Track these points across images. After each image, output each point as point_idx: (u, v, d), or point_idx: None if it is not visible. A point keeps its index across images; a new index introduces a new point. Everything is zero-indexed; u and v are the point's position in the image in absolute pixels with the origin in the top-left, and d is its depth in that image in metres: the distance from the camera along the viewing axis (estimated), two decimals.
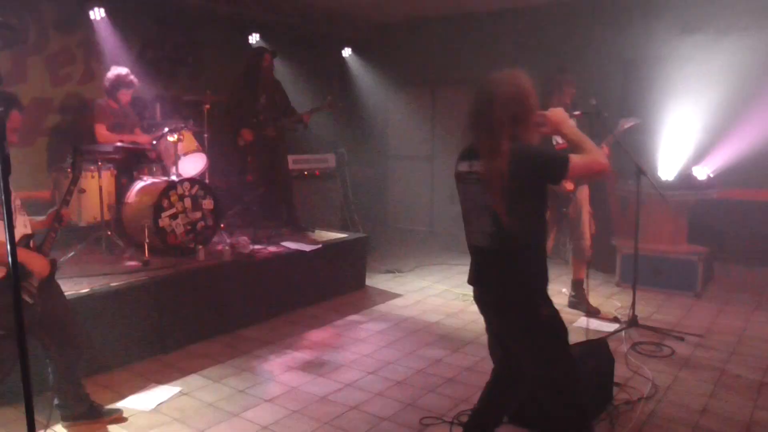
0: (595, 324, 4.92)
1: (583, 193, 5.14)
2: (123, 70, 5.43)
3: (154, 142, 5.36)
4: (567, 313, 5.24)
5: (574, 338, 4.31)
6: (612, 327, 4.82)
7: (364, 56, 8.53)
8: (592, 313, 5.19)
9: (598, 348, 3.55)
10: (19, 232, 2.98)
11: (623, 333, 4.67)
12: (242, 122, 6.00)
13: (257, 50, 6.21)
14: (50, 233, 3.14)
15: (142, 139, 5.46)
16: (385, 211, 9.11)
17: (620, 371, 3.93)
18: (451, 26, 8.07)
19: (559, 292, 5.79)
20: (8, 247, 1.67)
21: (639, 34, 6.59)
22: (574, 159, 2.36)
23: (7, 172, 1.61)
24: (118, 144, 5.11)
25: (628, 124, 4.87)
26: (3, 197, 2.61)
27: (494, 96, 2.39)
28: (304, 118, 6.12)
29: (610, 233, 6.41)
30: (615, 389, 3.66)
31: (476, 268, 2.62)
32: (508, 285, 2.53)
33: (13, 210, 2.95)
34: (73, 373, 3.29)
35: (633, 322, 4.76)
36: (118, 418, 3.39)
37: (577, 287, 5.37)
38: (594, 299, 5.61)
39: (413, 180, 8.92)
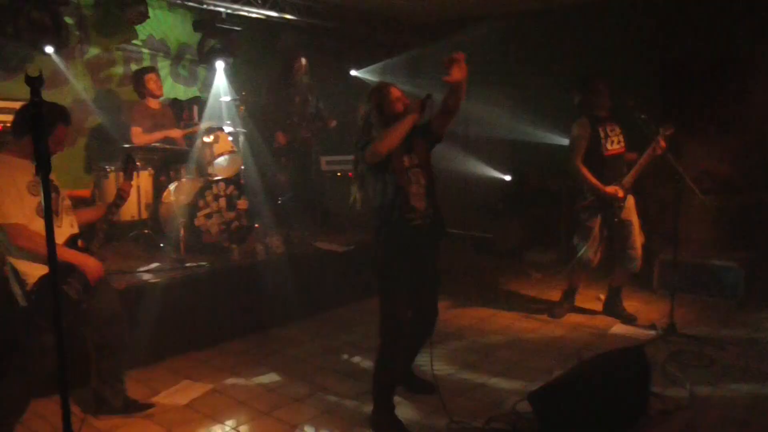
0: (632, 331, 4.81)
1: (631, 201, 4.96)
2: (157, 70, 5.59)
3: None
4: (602, 320, 5.15)
5: (610, 345, 4.26)
6: (649, 334, 4.71)
7: (399, 59, 8.50)
8: (629, 319, 5.07)
9: (633, 355, 3.46)
10: (66, 233, 3.06)
11: (660, 341, 4.55)
12: (277, 124, 6.06)
13: (292, 53, 6.27)
14: (98, 232, 3.24)
15: (174, 133, 5.56)
16: None
17: (657, 381, 3.83)
18: (487, 28, 7.99)
19: (596, 298, 5.69)
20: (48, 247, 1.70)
21: (680, 35, 6.42)
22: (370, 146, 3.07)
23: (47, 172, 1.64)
24: (156, 144, 5.21)
25: (668, 131, 4.72)
26: (42, 200, 2.70)
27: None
28: (329, 123, 6.17)
29: (648, 239, 6.25)
30: (651, 399, 3.56)
31: None
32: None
33: (61, 210, 3.04)
34: (114, 370, 3.36)
35: (671, 330, 4.63)
36: (152, 413, 3.45)
37: (616, 294, 5.25)
38: (631, 306, 5.48)
39: (446, 182, 8.83)
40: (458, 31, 8.10)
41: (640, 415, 3.39)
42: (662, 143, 4.62)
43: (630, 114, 4.68)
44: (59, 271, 2.88)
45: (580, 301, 5.61)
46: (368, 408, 3.53)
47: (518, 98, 7.82)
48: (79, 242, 3.11)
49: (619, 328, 4.92)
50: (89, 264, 3.04)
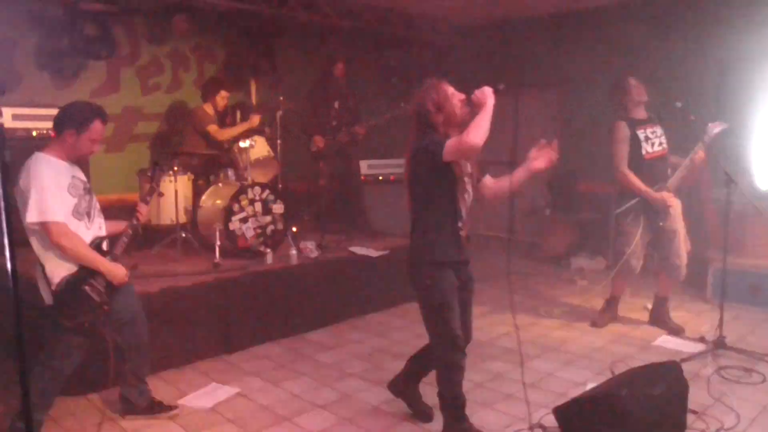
0: (678, 344, 4.56)
1: (678, 208, 4.73)
2: (218, 74, 5.76)
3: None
4: (647, 331, 4.90)
5: (653, 358, 4.04)
6: (696, 348, 4.44)
7: (444, 60, 8.41)
8: (675, 331, 4.82)
9: (668, 371, 3.26)
10: (92, 234, 3.15)
11: (708, 355, 4.29)
12: (316, 128, 6.09)
13: (331, 57, 6.29)
14: (122, 237, 3.30)
15: (254, 122, 5.74)
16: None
17: (700, 397, 3.62)
18: (536, 28, 7.80)
19: (643, 308, 5.43)
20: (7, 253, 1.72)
21: (737, 32, 6.05)
22: (449, 141, 2.85)
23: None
24: (195, 150, 5.33)
25: (716, 129, 4.46)
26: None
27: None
28: (358, 131, 6.16)
29: (704, 246, 5.93)
30: (691, 417, 3.35)
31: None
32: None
33: (93, 212, 3.14)
34: (137, 371, 3.44)
35: (720, 343, 4.35)
36: (176, 415, 3.49)
37: (662, 304, 5.00)
38: (681, 316, 5.22)
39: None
40: (504, 32, 7.96)
41: None
42: (701, 153, 4.50)
43: (679, 115, 4.47)
44: (83, 273, 2.98)
45: (626, 310, 5.37)
46: (388, 417, 3.49)
47: (569, 100, 7.60)
48: (104, 245, 3.18)
49: (664, 339, 4.67)
50: (115, 272, 3.10)
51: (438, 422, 3.27)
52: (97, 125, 3.11)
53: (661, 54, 6.56)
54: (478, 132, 2.80)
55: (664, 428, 3.13)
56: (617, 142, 4.69)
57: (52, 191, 2.91)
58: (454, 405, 3.09)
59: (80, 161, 3.22)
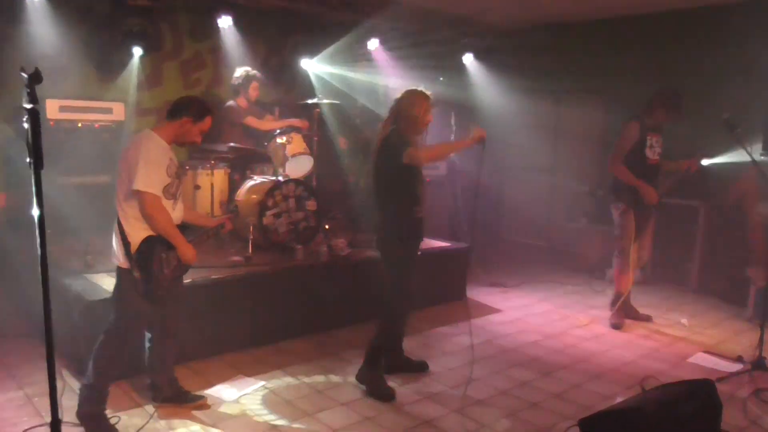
0: (714, 362, 4.41)
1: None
2: (248, 67, 5.82)
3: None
4: (682, 346, 4.76)
5: (686, 375, 3.92)
6: (734, 367, 4.30)
7: (486, 63, 8.35)
8: (646, 319, 5.35)
9: (702, 389, 3.16)
10: (176, 216, 3.28)
11: (746, 375, 4.15)
12: (341, 127, 6.15)
13: (359, 58, 6.33)
14: (203, 235, 3.54)
15: (301, 124, 5.80)
16: (499, 222, 8.84)
17: (735, 419, 3.51)
18: (579, 33, 7.68)
19: (679, 323, 5.30)
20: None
21: None
22: (408, 150, 3.55)
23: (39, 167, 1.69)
24: (232, 144, 5.38)
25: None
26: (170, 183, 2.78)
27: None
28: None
29: (746, 262, 5.74)
30: None
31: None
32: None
33: (179, 195, 3.25)
34: (168, 360, 3.52)
35: (760, 364, 4.21)
36: (203, 404, 3.54)
37: (628, 297, 5.30)
38: (718, 334, 5.08)
39: (532, 192, 8.56)
40: (548, 35, 7.86)
41: None
42: (694, 164, 5.02)
43: (721, 125, 4.36)
44: (162, 241, 3.15)
45: (661, 325, 5.25)
46: (410, 418, 3.47)
47: (611, 109, 7.43)
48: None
49: (699, 357, 4.53)
50: (187, 250, 3.24)
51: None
52: (209, 120, 3.34)
53: (707, 61, 6.38)
54: (433, 156, 3.83)
55: None
56: (624, 139, 5.05)
57: (155, 166, 3.09)
58: (379, 353, 3.86)
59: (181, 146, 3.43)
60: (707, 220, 6.37)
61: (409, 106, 3.66)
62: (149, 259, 3.12)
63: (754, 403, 3.77)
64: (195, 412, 3.46)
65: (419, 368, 4.16)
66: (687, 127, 5.49)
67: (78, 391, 3.21)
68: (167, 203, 3.18)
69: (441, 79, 7.69)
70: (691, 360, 4.48)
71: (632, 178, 4.98)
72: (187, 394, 3.57)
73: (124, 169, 3.11)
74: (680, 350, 4.69)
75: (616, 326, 5.15)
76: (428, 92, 3.73)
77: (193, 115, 3.25)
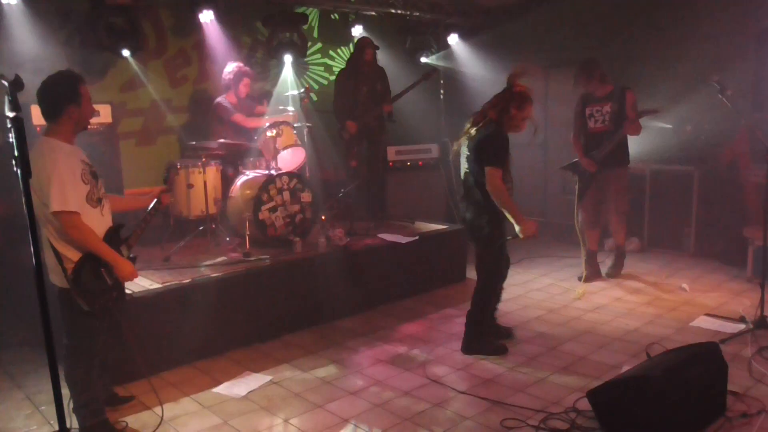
0: (717, 324, 4.43)
1: (612, 174, 5.54)
2: (239, 63, 5.78)
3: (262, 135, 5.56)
4: (684, 311, 4.78)
5: (690, 339, 3.94)
6: (736, 328, 4.32)
7: (471, 42, 8.29)
8: (608, 275, 5.74)
9: (706, 352, 3.18)
10: (107, 222, 3.13)
11: (749, 335, 4.17)
12: (346, 114, 6.11)
13: (360, 44, 6.26)
14: (136, 230, 3.32)
15: (289, 119, 5.76)
16: None
17: (740, 379, 3.53)
18: (563, 5, 7.61)
19: (679, 288, 5.33)
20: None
21: None
22: (490, 171, 3.84)
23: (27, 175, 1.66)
24: (222, 140, 5.35)
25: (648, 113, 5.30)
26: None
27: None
28: (385, 108, 6.17)
29: (742, 223, 5.76)
30: (731, 399, 3.26)
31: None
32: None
33: (102, 197, 3.12)
34: (105, 371, 3.41)
35: (761, 323, 4.23)
36: (210, 405, 3.54)
37: (592, 257, 5.80)
38: (720, 296, 5.11)
39: (524, 169, 8.51)
40: (531, 11, 7.79)
41: (717, 417, 3.11)
42: (632, 125, 5.27)
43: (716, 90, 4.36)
44: (97, 258, 2.97)
45: (662, 291, 5.28)
46: (420, 402, 3.48)
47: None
48: (121, 232, 3.20)
49: (702, 320, 4.55)
50: (123, 267, 3.06)
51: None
52: (84, 88, 3.02)
53: (691, 26, 6.35)
54: (501, 200, 3.83)
55: (702, 410, 3.07)
56: (574, 113, 5.65)
57: (68, 179, 2.86)
58: (480, 325, 4.17)
59: (84, 130, 3.13)
60: (702, 185, 6.37)
61: (515, 107, 3.83)
62: (88, 279, 2.96)
63: (758, 361, 3.79)
64: (205, 411, 3.46)
65: (506, 334, 4.40)
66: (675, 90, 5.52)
67: (72, 413, 3.08)
68: (93, 212, 2.98)
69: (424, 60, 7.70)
70: (694, 324, 4.50)
71: (577, 149, 5.60)
72: (116, 396, 3.56)
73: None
74: (683, 315, 4.71)
75: (580, 278, 5.71)
76: (530, 91, 3.90)
77: (73, 99, 2.94)
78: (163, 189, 3.56)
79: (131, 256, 3.27)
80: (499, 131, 3.87)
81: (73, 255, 2.95)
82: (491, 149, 3.84)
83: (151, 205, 3.46)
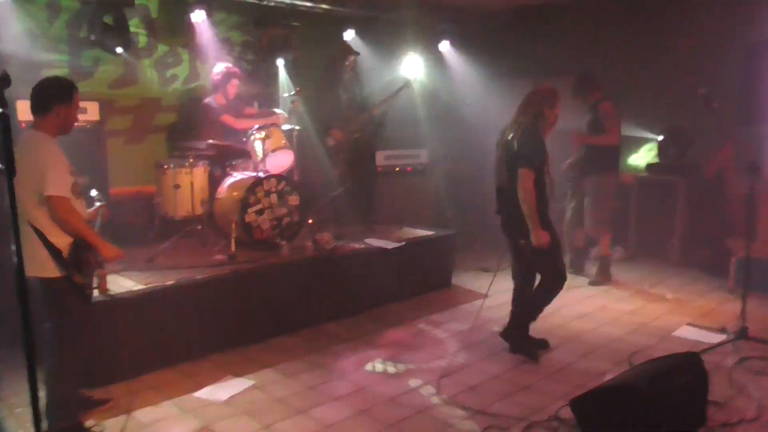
0: (699, 334, 4.47)
1: (589, 182, 5.88)
2: (228, 64, 5.75)
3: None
4: (667, 321, 4.82)
5: (673, 348, 3.97)
6: (718, 338, 4.36)
7: (462, 48, 8.31)
8: (593, 282, 5.92)
9: (688, 361, 3.20)
10: (82, 214, 3.16)
11: (730, 345, 4.21)
12: (330, 121, 6.12)
13: (341, 51, 6.28)
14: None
15: (277, 120, 5.76)
16: (483, 208, 8.83)
17: (721, 389, 3.55)
18: (555, 15, 7.66)
19: (662, 298, 5.38)
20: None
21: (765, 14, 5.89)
22: (525, 173, 3.87)
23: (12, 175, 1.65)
24: (210, 141, 5.32)
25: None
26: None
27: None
28: (373, 111, 6.19)
29: (726, 234, 5.82)
30: (712, 409, 3.29)
31: None
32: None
33: (79, 194, 3.14)
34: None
35: (742, 333, 4.27)
36: (192, 408, 3.51)
37: (580, 255, 6.25)
38: (702, 306, 5.17)
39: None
40: (524, 20, 7.83)
41: (698, 427, 3.14)
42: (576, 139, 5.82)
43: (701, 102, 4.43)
44: (84, 244, 3.03)
45: (646, 300, 5.32)
46: (403, 408, 3.48)
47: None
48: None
49: (684, 330, 4.59)
50: (110, 249, 3.12)
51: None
52: (77, 95, 3.18)
53: (680, 39, 6.42)
54: (528, 202, 3.87)
55: (683, 420, 3.09)
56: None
57: (58, 167, 2.99)
58: (527, 323, 4.31)
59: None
60: (687, 195, 6.43)
61: (550, 107, 3.95)
62: (84, 260, 3.04)
63: (739, 372, 3.83)
64: (187, 415, 3.43)
65: (542, 346, 4.34)
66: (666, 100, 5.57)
67: (44, 412, 3.01)
68: (75, 203, 3.08)
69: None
70: (676, 333, 4.54)
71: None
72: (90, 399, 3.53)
73: (28, 176, 2.88)
74: (666, 324, 4.75)
75: (575, 270, 6.06)
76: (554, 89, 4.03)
77: (65, 100, 3.07)
78: (103, 205, 3.53)
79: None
80: (535, 134, 3.95)
81: (64, 240, 3.00)
82: (528, 152, 3.89)
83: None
